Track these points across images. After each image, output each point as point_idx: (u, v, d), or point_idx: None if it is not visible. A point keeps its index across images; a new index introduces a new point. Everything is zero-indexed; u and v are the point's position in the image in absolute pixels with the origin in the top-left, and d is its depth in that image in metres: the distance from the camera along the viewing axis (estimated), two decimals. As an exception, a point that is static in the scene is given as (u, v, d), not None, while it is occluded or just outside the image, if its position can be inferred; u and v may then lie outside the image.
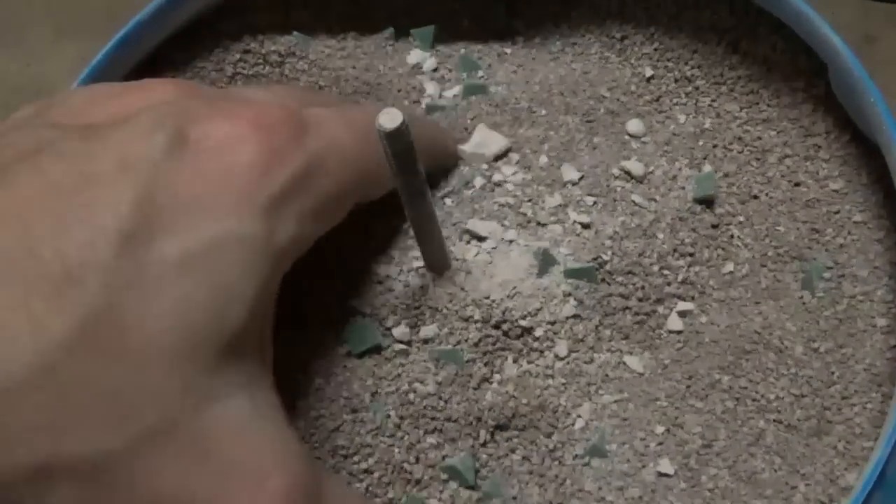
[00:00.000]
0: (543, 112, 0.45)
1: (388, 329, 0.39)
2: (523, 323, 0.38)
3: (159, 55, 0.47)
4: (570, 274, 0.39)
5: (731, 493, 0.37)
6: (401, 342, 0.39)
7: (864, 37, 0.70)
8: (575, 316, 0.39)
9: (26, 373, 0.26)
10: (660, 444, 0.38)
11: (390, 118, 0.32)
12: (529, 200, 0.42)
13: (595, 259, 0.40)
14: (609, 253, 0.40)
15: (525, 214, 0.41)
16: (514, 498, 0.37)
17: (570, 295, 0.39)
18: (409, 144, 0.34)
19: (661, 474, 0.37)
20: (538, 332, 0.38)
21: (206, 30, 0.48)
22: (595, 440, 0.38)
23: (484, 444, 0.38)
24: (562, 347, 0.39)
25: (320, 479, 0.31)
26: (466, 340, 0.38)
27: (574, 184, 0.42)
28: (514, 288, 0.39)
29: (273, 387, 0.32)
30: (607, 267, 0.40)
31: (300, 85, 0.47)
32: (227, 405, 0.28)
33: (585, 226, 0.41)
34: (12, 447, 0.26)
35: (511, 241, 0.40)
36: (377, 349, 0.39)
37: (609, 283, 0.40)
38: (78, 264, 0.27)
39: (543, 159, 0.43)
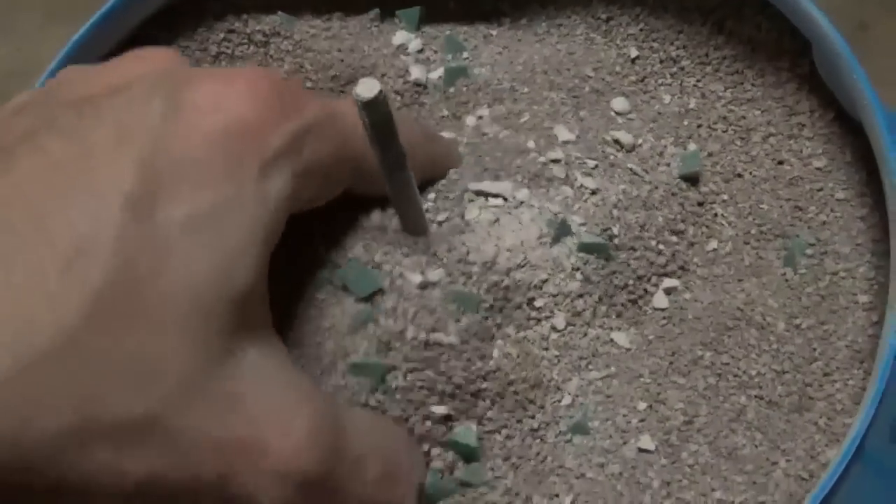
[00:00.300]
0: (526, 90, 0.45)
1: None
2: (529, 294, 0.38)
3: (141, 34, 0.47)
4: (584, 248, 0.39)
5: (712, 469, 0.36)
6: None
7: (858, 24, 0.70)
8: (580, 293, 0.39)
9: (48, 347, 0.26)
10: (642, 420, 0.38)
11: (368, 87, 0.32)
12: (523, 152, 0.41)
13: (605, 231, 0.39)
14: (617, 226, 0.40)
15: (528, 169, 0.41)
16: (491, 469, 0.37)
17: (578, 270, 0.39)
18: (386, 115, 0.33)
19: (641, 450, 0.37)
20: (539, 303, 0.38)
21: (189, 8, 0.47)
22: (579, 417, 0.38)
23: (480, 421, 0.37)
24: (559, 320, 0.38)
25: (339, 411, 0.32)
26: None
27: (571, 143, 0.42)
28: (525, 257, 0.39)
29: (278, 338, 0.32)
30: (615, 241, 0.40)
31: (285, 67, 0.47)
32: (243, 360, 0.29)
33: (594, 191, 0.40)
34: (42, 419, 0.26)
35: (522, 203, 0.40)
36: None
37: (615, 259, 0.40)
38: (86, 236, 0.27)
39: (529, 124, 0.43)
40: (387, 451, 0.34)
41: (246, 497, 0.29)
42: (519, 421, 0.38)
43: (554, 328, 0.39)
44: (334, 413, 0.32)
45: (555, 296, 0.38)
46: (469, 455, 0.37)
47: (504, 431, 0.38)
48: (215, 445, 0.28)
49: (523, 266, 0.38)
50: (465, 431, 0.37)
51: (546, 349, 0.38)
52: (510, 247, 0.38)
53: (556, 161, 0.41)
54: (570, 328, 0.39)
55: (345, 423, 0.32)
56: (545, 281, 0.38)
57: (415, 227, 0.39)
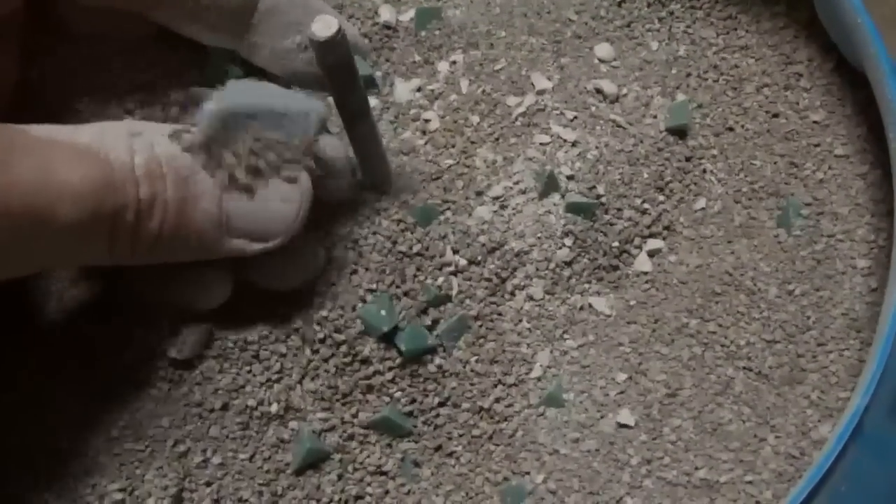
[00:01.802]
0: (503, 34, 0.42)
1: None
2: (513, 262, 0.36)
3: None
4: (572, 208, 0.36)
5: (696, 446, 0.34)
6: None
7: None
8: (567, 260, 0.36)
9: None
10: (621, 392, 0.35)
11: (325, 25, 0.29)
12: (496, 106, 0.39)
13: (591, 189, 0.37)
14: (603, 184, 0.37)
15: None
16: (451, 453, 0.35)
17: (568, 234, 0.36)
18: (345, 57, 0.30)
19: (620, 425, 0.35)
20: (519, 275, 0.36)
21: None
22: (552, 388, 0.35)
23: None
24: (538, 289, 0.36)
25: (11, 135, 0.29)
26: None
27: (548, 92, 0.39)
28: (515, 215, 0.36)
29: None
30: (602, 199, 0.37)
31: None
32: None
33: (573, 144, 0.37)
34: None
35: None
36: None
37: (599, 220, 0.37)
38: None
39: (505, 72, 0.40)
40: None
41: None
42: (483, 392, 0.35)
43: (531, 298, 0.36)
44: None
45: (540, 261, 0.36)
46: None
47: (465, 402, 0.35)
48: None
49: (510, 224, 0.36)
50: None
51: (519, 321, 0.36)
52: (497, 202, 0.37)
53: (532, 112, 0.38)
54: (547, 297, 0.36)
55: (13, 139, 0.29)
56: (533, 246, 0.36)
57: (380, 178, 0.36)
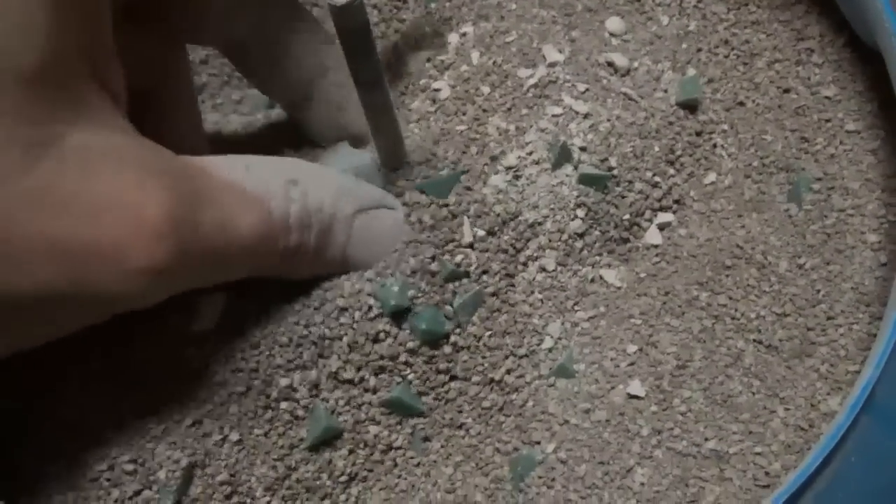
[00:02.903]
0: (514, 6, 0.41)
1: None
2: (526, 233, 0.36)
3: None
4: (584, 180, 0.36)
5: (705, 417, 0.34)
6: None
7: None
8: (579, 232, 0.36)
9: None
10: (631, 364, 0.35)
11: (342, -9, 0.29)
12: (507, 77, 0.38)
13: (603, 161, 0.37)
14: (615, 156, 0.37)
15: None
16: (461, 426, 0.35)
17: (581, 206, 0.36)
18: (362, 23, 0.30)
19: (630, 396, 0.35)
20: (532, 246, 0.36)
21: None
22: (563, 359, 0.35)
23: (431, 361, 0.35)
24: (550, 261, 0.36)
25: (189, 170, 0.29)
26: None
27: (560, 65, 0.39)
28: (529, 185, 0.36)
29: (121, 109, 0.29)
30: (614, 172, 0.37)
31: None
32: (64, 148, 0.25)
33: (585, 116, 0.37)
34: None
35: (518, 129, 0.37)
36: None
37: (611, 192, 0.37)
38: None
39: (516, 44, 0.39)
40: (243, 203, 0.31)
41: (107, 297, 0.27)
42: (494, 365, 0.35)
43: (543, 269, 0.36)
44: (184, 177, 0.28)
45: (553, 232, 0.36)
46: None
47: (476, 374, 0.35)
48: (56, 250, 0.25)
49: (523, 195, 0.36)
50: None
51: (531, 293, 0.36)
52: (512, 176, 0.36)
53: (543, 83, 0.38)
54: (559, 268, 0.36)
55: (198, 185, 0.29)
56: (546, 217, 0.36)
57: (393, 157, 0.36)
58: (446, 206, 0.35)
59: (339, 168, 0.35)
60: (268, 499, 0.33)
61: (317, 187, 0.32)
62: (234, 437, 0.33)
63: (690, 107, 0.39)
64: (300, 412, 0.34)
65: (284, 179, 0.31)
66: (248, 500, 0.33)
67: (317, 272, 0.34)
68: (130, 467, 0.33)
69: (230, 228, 0.29)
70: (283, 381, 0.33)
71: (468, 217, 0.35)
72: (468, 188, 0.36)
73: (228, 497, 0.33)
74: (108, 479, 0.33)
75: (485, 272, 0.35)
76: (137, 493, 0.32)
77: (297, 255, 0.32)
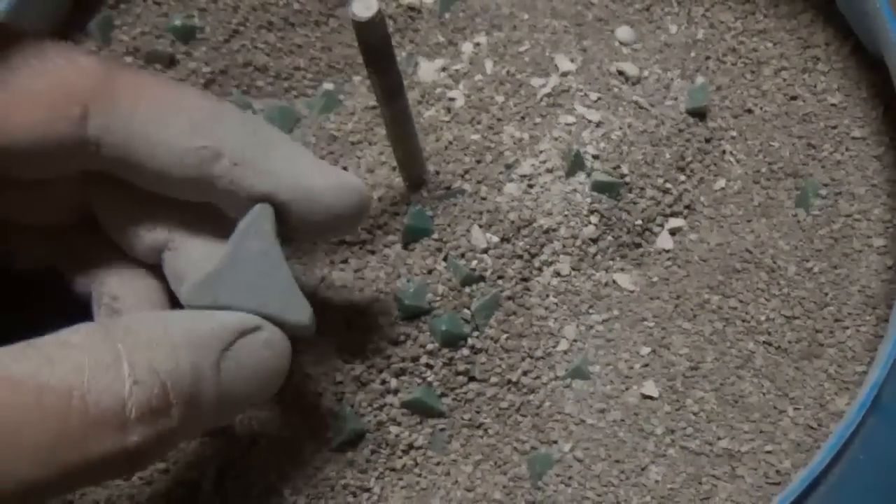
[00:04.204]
0: (526, 16, 0.43)
1: None
2: (541, 239, 0.37)
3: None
4: (597, 187, 0.37)
5: (717, 417, 0.35)
6: None
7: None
8: (593, 237, 0.37)
9: None
10: (645, 365, 0.36)
11: (364, 6, 0.30)
12: (520, 86, 0.39)
13: (616, 169, 0.38)
14: (627, 164, 0.38)
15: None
16: (480, 426, 0.36)
17: (594, 212, 0.37)
18: (384, 37, 0.31)
19: (644, 396, 0.36)
20: (547, 252, 0.37)
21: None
22: (578, 361, 0.36)
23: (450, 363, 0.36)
24: (565, 265, 0.37)
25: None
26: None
27: (572, 74, 0.40)
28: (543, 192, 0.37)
29: None
30: (626, 179, 0.38)
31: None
32: None
33: (598, 124, 0.38)
34: None
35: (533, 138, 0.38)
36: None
37: (623, 198, 0.38)
38: None
39: (528, 53, 0.40)
40: None
41: None
42: (511, 366, 0.36)
43: (558, 273, 0.37)
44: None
45: (566, 238, 0.37)
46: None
47: (494, 376, 0.36)
48: None
49: (537, 201, 0.37)
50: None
51: (546, 297, 0.37)
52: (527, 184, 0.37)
53: (556, 92, 0.39)
54: (573, 273, 0.37)
55: None
56: (560, 223, 0.37)
57: (412, 171, 0.37)
58: (462, 210, 0.36)
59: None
60: (294, 498, 0.34)
61: (161, 352, 0.26)
62: (265, 440, 0.34)
63: (700, 114, 0.40)
64: (326, 413, 0.35)
65: (111, 357, 0.25)
66: (276, 499, 0.34)
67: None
68: (163, 466, 0.34)
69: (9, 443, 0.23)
70: (311, 386, 0.34)
71: (479, 223, 0.36)
72: (482, 195, 0.37)
73: (257, 496, 0.34)
74: (140, 478, 0.34)
75: (500, 277, 0.36)
76: (169, 491, 0.33)
77: (157, 445, 0.26)
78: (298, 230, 0.31)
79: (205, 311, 0.29)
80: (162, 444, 0.26)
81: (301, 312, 0.30)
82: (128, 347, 0.25)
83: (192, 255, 0.31)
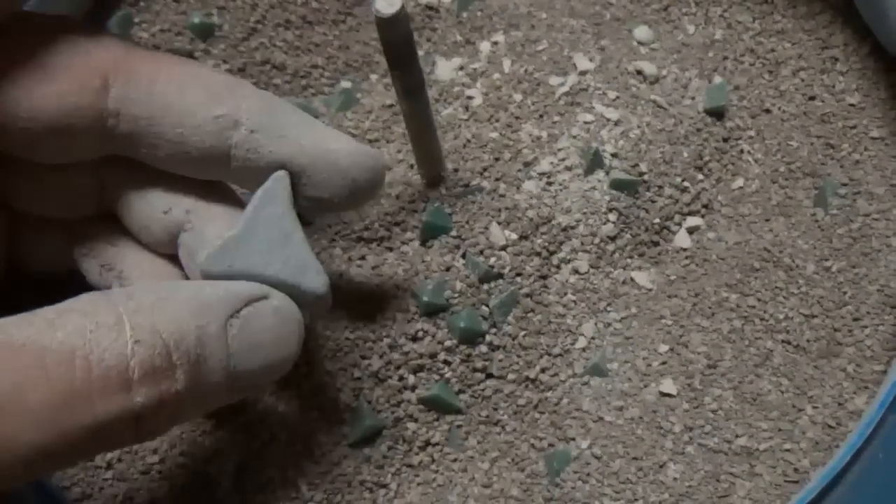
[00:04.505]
0: (544, 16, 0.43)
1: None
2: (559, 237, 0.37)
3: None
4: (616, 185, 0.37)
5: (736, 415, 0.35)
6: None
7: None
8: (611, 235, 0.37)
9: None
10: (663, 363, 0.36)
11: (388, 2, 0.30)
12: (539, 85, 0.39)
13: (634, 167, 0.38)
14: (645, 162, 0.38)
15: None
16: (497, 423, 0.36)
17: (613, 210, 0.37)
18: (406, 35, 0.31)
19: (663, 394, 0.36)
20: (565, 249, 0.37)
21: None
22: (596, 359, 0.36)
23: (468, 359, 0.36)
24: (583, 263, 0.37)
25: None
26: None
27: (590, 73, 0.40)
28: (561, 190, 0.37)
29: None
30: (645, 177, 0.38)
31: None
32: None
33: (616, 123, 0.38)
34: None
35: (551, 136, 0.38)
36: None
37: (641, 197, 0.38)
38: None
39: (546, 52, 0.41)
40: None
41: None
42: (529, 363, 0.36)
43: (576, 271, 0.37)
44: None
45: (585, 236, 0.37)
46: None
47: (511, 373, 0.36)
48: None
49: (555, 198, 0.37)
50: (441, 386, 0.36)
51: (565, 294, 0.37)
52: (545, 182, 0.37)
53: (575, 91, 0.39)
54: (591, 271, 0.37)
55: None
56: (579, 221, 0.37)
57: (430, 167, 0.37)
58: (482, 207, 0.36)
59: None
60: (311, 493, 0.34)
61: (164, 314, 0.26)
62: (284, 436, 0.34)
63: (717, 114, 0.40)
64: (342, 410, 0.35)
65: (113, 320, 0.25)
66: (294, 494, 0.34)
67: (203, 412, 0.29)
68: (181, 461, 0.34)
69: (14, 408, 0.23)
70: (329, 382, 0.34)
71: (498, 220, 0.36)
72: (501, 193, 0.37)
73: (274, 491, 0.34)
74: (159, 472, 0.34)
75: (519, 274, 0.36)
76: (187, 485, 0.34)
77: (161, 408, 0.25)
78: (316, 200, 0.31)
79: (212, 281, 0.29)
80: (168, 410, 0.26)
81: (316, 280, 0.30)
82: (129, 311, 0.25)
83: (207, 235, 0.31)
